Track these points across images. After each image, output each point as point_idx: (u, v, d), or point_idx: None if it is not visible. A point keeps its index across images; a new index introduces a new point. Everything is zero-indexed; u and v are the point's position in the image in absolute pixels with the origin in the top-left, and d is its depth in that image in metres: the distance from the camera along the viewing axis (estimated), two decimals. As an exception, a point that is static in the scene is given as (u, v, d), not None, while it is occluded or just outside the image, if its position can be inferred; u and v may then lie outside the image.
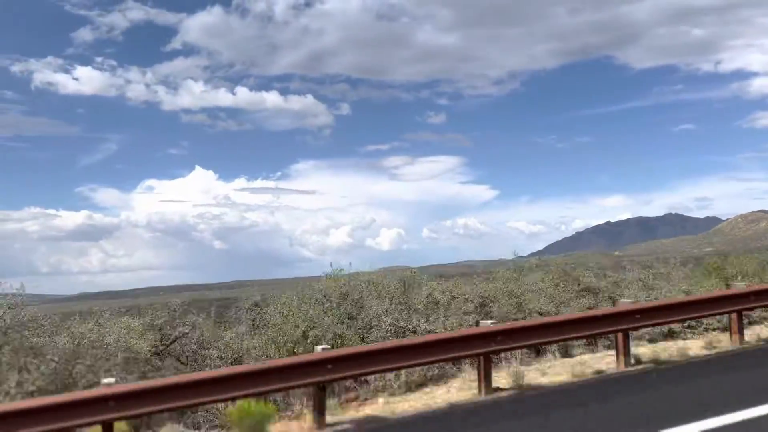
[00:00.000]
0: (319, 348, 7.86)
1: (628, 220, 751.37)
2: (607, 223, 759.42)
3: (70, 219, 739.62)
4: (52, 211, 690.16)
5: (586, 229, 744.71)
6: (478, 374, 8.48)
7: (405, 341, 8.79)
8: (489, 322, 9.04)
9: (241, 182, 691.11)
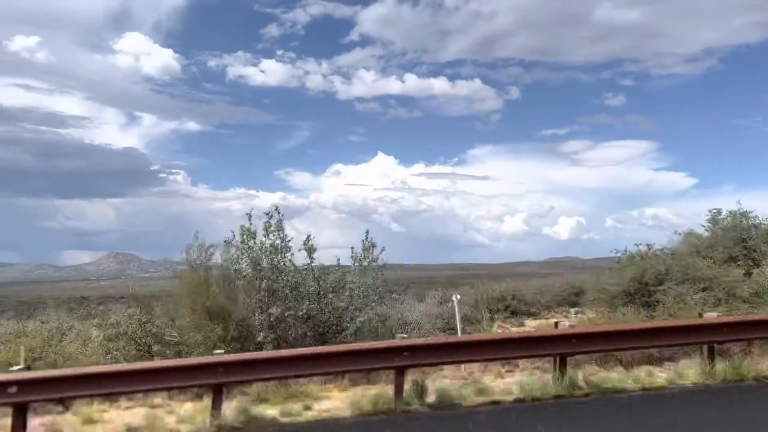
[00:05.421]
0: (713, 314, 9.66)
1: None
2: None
3: (268, 199, 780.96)
4: (253, 192, 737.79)
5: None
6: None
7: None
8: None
9: (419, 167, 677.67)
